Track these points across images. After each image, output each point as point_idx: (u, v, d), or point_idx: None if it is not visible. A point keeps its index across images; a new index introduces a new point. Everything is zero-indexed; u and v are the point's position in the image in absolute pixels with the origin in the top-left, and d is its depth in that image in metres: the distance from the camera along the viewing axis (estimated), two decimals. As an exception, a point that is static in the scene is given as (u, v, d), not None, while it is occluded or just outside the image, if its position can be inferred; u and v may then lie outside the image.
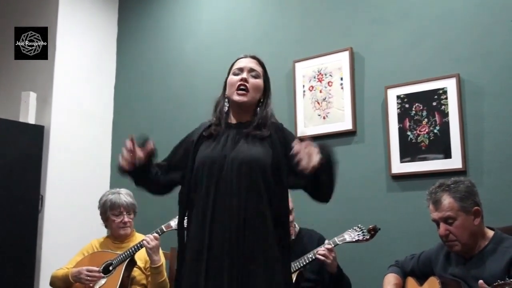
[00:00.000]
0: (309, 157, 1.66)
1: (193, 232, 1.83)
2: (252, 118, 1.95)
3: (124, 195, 2.87)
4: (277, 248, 1.80)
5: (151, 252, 2.64)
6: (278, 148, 1.88)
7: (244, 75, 1.92)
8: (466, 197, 2.08)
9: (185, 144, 2.04)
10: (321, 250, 2.46)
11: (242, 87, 1.91)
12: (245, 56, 2.01)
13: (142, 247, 2.68)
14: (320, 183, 1.76)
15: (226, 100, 1.99)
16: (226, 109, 1.99)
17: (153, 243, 2.64)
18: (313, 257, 2.48)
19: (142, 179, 2.03)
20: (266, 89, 1.99)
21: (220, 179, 1.82)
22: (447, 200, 2.09)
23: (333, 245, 2.47)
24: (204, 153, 1.90)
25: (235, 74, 1.95)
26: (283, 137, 1.92)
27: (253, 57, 2.01)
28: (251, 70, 1.95)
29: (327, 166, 1.72)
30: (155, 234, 2.68)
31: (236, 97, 1.91)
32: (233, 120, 1.98)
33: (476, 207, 2.08)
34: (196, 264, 1.77)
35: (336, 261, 2.50)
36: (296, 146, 1.68)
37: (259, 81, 1.96)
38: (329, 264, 2.46)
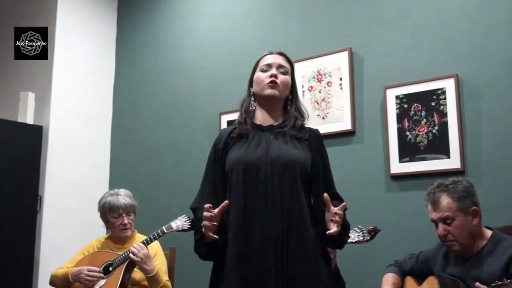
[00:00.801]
0: (337, 225, 1.69)
1: (234, 236, 1.75)
2: (284, 117, 1.90)
3: (123, 196, 2.84)
4: (320, 251, 1.81)
5: (141, 263, 2.56)
6: (317, 157, 1.85)
7: (274, 71, 1.87)
8: (464, 197, 2.09)
9: (212, 157, 1.92)
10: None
11: (272, 83, 1.85)
12: (272, 53, 1.95)
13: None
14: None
15: (253, 98, 1.92)
16: (254, 107, 1.92)
17: (140, 254, 2.55)
18: None
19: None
20: (293, 87, 1.94)
21: (259, 180, 1.75)
22: (445, 200, 2.10)
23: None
24: (237, 155, 1.81)
25: (263, 71, 1.89)
26: (321, 149, 1.89)
27: (281, 54, 1.95)
28: (280, 66, 1.89)
29: (341, 238, 1.78)
30: (140, 244, 2.62)
31: (267, 91, 1.84)
32: (262, 121, 1.89)
33: (474, 207, 2.09)
34: (240, 265, 1.72)
35: (335, 261, 2.50)
36: (334, 209, 1.70)
37: (288, 78, 1.90)
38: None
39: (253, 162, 1.77)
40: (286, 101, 1.93)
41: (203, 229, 1.73)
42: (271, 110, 1.90)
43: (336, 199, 1.86)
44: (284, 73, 1.89)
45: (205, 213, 1.69)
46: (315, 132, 1.93)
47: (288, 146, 1.80)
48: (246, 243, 1.72)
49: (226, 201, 1.73)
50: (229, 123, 3.59)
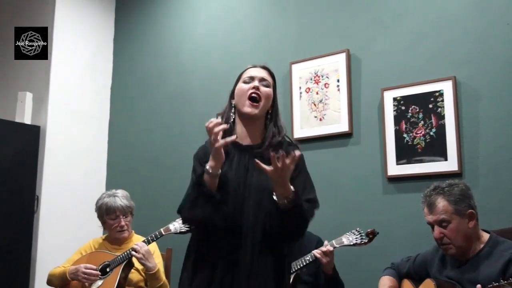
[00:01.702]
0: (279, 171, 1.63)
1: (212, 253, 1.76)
2: (262, 135, 1.87)
3: (120, 198, 2.84)
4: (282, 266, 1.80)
5: (143, 260, 2.60)
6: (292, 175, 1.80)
7: (256, 83, 1.85)
8: (460, 200, 2.08)
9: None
10: (319, 250, 2.46)
11: (254, 95, 1.82)
12: (255, 66, 1.94)
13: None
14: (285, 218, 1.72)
15: (233, 110, 1.90)
16: (232, 119, 1.88)
17: (142, 251, 2.60)
18: (310, 260, 2.48)
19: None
20: (274, 102, 1.92)
21: (241, 206, 1.75)
22: (441, 203, 2.10)
23: (331, 248, 2.47)
24: (225, 176, 1.77)
25: (245, 82, 1.87)
26: (297, 165, 1.81)
27: (264, 68, 1.94)
28: (262, 79, 1.88)
29: (295, 206, 1.69)
30: (141, 242, 2.64)
31: (247, 109, 1.82)
32: (241, 139, 1.86)
33: (470, 210, 2.08)
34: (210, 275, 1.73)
35: (333, 263, 2.50)
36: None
37: (271, 91, 1.88)
38: (325, 264, 2.46)
39: (235, 187, 1.76)
40: (267, 116, 1.91)
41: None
42: (251, 126, 1.88)
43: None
44: (266, 86, 1.87)
45: (219, 126, 1.65)
46: (293, 146, 1.88)
47: (265, 176, 1.72)
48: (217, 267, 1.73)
49: (234, 137, 1.71)
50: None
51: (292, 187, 1.68)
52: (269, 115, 1.91)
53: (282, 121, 1.93)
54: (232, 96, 1.92)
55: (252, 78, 1.88)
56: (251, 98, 1.83)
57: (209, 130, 1.67)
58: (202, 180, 1.72)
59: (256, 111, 1.83)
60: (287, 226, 1.72)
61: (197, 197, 1.73)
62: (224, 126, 1.69)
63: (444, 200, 2.09)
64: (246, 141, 1.87)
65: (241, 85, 1.88)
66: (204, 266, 1.76)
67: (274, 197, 1.69)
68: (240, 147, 1.85)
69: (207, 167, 1.70)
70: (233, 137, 1.71)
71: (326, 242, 2.51)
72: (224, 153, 1.72)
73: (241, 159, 1.82)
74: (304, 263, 2.49)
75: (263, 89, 1.85)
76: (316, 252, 2.46)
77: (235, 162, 1.81)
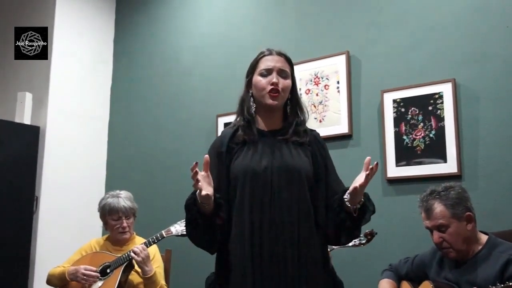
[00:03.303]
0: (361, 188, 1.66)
1: (238, 250, 1.70)
2: (284, 121, 1.86)
3: (123, 199, 2.83)
4: (326, 266, 1.80)
5: (142, 263, 2.60)
6: (319, 162, 1.82)
7: (274, 78, 1.78)
8: (457, 204, 2.08)
9: (214, 161, 1.78)
10: None
11: (273, 91, 1.77)
12: (271, 53, 1.84)
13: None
14: (345, 225, 1.73)
15: (252, 99, 1.84)
16: (254, 109, 1.83)
17: (142, 254, 2.60)
18: None
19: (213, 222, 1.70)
20: (293, 87, 1.86)
21: (266, 191, 1.71)
22: (438, 208, 2.09)
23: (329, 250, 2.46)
24: (243, 162, 1.76)
25: (262, 75, 1.80)
26: (323, 151, 1.85)
27: (281, 54, 1.85)
28: (280, 71, 1.80)
29: (361, 215, 1.72)
30: (143, 245, 2.66)
31: (269, 101, 1.78)
32: (263, 127, 1.84)
33: (468, 213, 2.08)
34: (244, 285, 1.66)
35: (331, 262, 2.49)
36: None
37: (289, 82, 1.82)
38: None
39: (257, 172, 1.73)
40: (286, 102, 1.87)
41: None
42: (272, 116, 1.85)
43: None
44: (285, 77, 1.81)
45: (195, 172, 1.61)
46: (314, 135, 1.90)
47: (292, 155, 1.77)
48: (252, 260, 1.67)
49: (207, 157, 1.67)
50: (226, 125, 3.58)
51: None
52: (289, 100, 1.86)
53: (304, 106, 1.90)
54: (249, 85, 1.86)
55: (269, 71, 1.80)
56: (271, 92, 1.78)
57: (192, 177, 1.62)
58: (191, 204, 1.69)
59: (278, 102, 1.80)
60: (350, 228, 1.74)
61: (188, 221, 1.74)
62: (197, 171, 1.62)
63: (441, 205, 2.09)
64: (268, 127, 1.85)
65: (259, 79, 1.81)
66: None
67: (346, 201, 1.70)
68: (263, 133, 1.83)
69: (199, 199, 1.65)
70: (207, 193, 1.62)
71: None
72: (248, 140, 1.77)
73: (265, 145, 1.79)
74: None
75: (283, 82, 1.80)
76: None
77: (259, 146, 1.79)
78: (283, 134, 1.82)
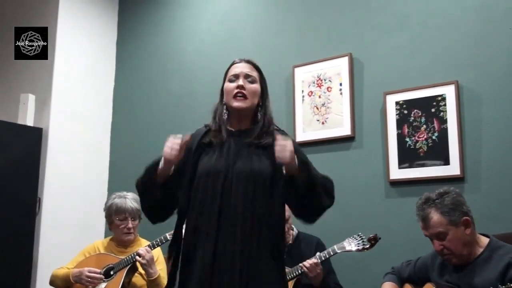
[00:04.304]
0: (283, 148, 1.70)
1: (199, 243, 1.78)
2: (252, 124, 1.92)
3: (130, 200, 2.84)
4: (275, 264, 1.78)
5: (146, 266, 2.61)
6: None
7: (240, 81, 1.88)
8: (453, 210, 2.08)
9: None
10: (307, 263, 2.46)
11: (239, 94, 1.87)
12: (240, 61, 1.96)
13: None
14: (301, 195, 1.76)
15: (225, 107, 1.95)
16: (226, 116, 1.94)
17: (147, 257, 2.61)
18: (299, 272, 2.48)
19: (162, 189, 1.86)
20: (263, 93, 1.95)
21: (225, 192, 1.78)
22: (435, 216, 2.09)
23: (319, 260, 2.46)
24: (208, 164, 1.85)
25: (230, 81, 1.91)
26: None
27: (248, 61, 1.96)
28: (246, 76, 1.91)
29: (307, 178, 1.74)
30: (147, 247, 2.65)
31: (235, 104, 1.88)
32: (232, 126, 1.93)
33: (465, 218, 2.08)
34: (204, 278, 1.72)
35: (321, 276, 2.48)
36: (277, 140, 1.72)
37: (256, 86, 1.91)
38: (312, 278, 2.45)
39: (219, 173, 1.80)
40: (258, 107, 1.95)
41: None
42: (241, 119, 1.93)
43: None
44: (252, 82, 1.90)
45: (172, 140, 1.84)
46: (280, 132, 1.92)
47: (250, 158, 1.83)
48: (209, 255, 1.73)
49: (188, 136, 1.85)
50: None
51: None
52: (260, 106, 1.94)
53: (270, 112, 1.96)
54: (222, 93, 1.97)
55: (236, 76, 1.91)
56: (237, 96, 1.88)
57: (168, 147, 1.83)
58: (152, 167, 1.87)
59: (244, 104, 1.88)
60: (306, 196, 1.76)
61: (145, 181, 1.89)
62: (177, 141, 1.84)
63: (437, 213, 2.09)
64: (236, 127, 1.93)
65: (227, 84, 1.93)
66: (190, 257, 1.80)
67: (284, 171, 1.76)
68: (232, 133, 1.91)
69: (161, 164, 1.84)
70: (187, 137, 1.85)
71: (317, 254, 2.50)
72: (214, 142, 1.88)
73: (231, 147, 1.87)
74: (293, 275, 2.49)
75: (249, 86, 1.89)
76: (304, 265, 2.46)
77: (224, 148, 1.87)
78: (249, 135, 1.89)
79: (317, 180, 1.78)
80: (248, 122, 1.93)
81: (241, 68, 1.93)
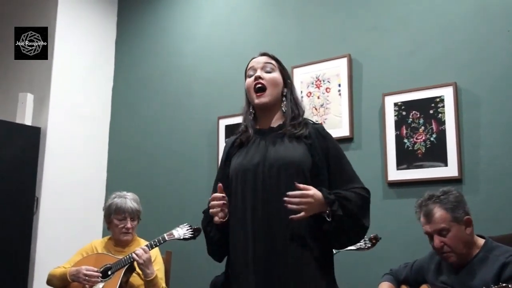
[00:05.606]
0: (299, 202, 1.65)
1: (236, 245, 1.78)
2: (283, 118, 1.87)
3: (130, 200, 2.83)
4: (320, 261, 1.77)
5: (143, 266, 2.60)
6: (320, 155, 1.79)
7: (258, 72, 1.86)
8: (456, 207, 2.09)
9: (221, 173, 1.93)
10: None
11: (258, 85, 1.83)
12: (257, 56, 1.95)
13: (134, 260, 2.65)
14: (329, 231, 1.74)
15: (251, 106, 1.92)
16: (252, 115, 1.91)
17: (144, 257, 2.59)
18: None
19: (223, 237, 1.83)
20: (286, 81, 1.91)
21: (257, 186, 1.75)
22: (439, 212, 2.10)
23: None
24: (237, 162, 1.84)
25: (249, 76, 1.89)
26: (325, 146, 1.82)
27: (263, 54, 1.94)
28: (263, 66, 1.88)
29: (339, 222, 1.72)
30: (145, 247, 2.66)
31: (256, 101, 1.84)
32: (263, 125, 1.89)
33: (467, 217, 2.09)
34: (244, 277, 1.72)
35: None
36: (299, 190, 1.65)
37: (274, 75, 1.87)
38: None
39: (248, 168, 1.78)
40: (283, 97, 1.90)
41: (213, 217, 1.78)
42: (269, 115, 1.89)
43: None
44: (269, 71, 1.87)
45: (214, 195, 1.75)
46: (317, 127, 1.88)
47: (286, 148, 1.78)
48: (247, 255, 1.72)
49: (220, 185, 1.77)
50: (227, 127, 3.60)
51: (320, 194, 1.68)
52: (284, 96, 1.89)
53: (300, 101, 1.93)
54: (246, 93, 1.94)
55: (254, 70, 1.89)
56: (256, 90, 1.84)
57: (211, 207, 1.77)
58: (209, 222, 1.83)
59: (264, 99, 1.84)
60: (342, 236, 1.79)
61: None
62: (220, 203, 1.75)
63: (441, 209, 2.09)
64: (267, 125, 1.89)
65: (247, 81, 1.90)
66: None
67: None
68: (263, 131, 1.88)
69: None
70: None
71: None
72: (245, 142, 1.86)
73: (261, 143, 1.84)
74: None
75: (266, 76, 1.86)
76: None
77: (255, 144, 1.84)
78: (280, 128, 1.85)
79: (351, 220, 1.78)
80: (278, 117, 1.89)
81: (257, 61, 1.91)
